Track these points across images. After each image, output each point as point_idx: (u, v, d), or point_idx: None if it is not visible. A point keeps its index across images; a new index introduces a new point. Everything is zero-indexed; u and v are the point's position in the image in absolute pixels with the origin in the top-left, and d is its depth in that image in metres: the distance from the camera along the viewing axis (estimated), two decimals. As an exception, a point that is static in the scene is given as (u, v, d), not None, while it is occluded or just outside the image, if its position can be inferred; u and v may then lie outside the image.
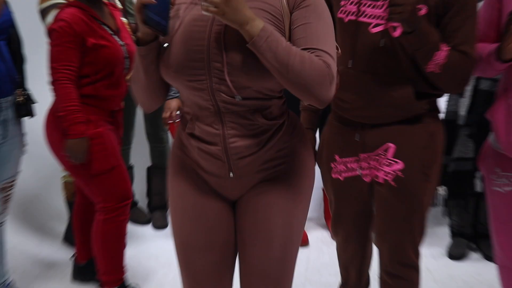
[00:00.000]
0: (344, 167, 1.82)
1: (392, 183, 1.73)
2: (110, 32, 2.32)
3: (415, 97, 1.70)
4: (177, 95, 2.67)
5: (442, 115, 2.23)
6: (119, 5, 2.64)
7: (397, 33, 1.62)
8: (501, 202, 1.77)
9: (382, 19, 1.64)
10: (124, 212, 2.39)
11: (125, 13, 2.79)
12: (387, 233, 1.82)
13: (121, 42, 2.35)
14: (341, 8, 1.71)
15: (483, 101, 2.62)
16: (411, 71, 1.68)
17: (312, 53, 1.28)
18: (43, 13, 2.59)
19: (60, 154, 2.30)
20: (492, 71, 1.68)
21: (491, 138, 1.79)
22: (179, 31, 1.36)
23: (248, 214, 1.49)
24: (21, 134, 2.27)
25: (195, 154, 1.46)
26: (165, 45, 1.37)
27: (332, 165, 1.84)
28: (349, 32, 1.71)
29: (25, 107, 2.21)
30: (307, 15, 1.33)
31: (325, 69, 1.27)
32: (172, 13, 1.37)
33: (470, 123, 2.72)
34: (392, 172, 1.74)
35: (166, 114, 2.71)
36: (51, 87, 2.20)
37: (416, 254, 1.82)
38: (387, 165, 1.75)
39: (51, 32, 2.19)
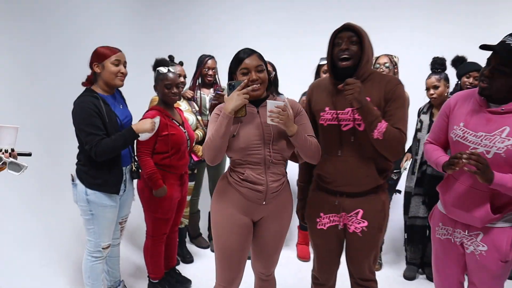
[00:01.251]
0: (328, 220, 1.99)
1: (360, 234, 1.95)
2: (177, 124, 2.72)
3: (377, 173, 1.88)
4: None
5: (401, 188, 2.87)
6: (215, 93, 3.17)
7: (361, 127, 1.77)
8: (440, 245, 1.95)
9: (349, 121, 1.82)
10: (161, 240, 2.83)
11: (201, 113, 3.44)
12: (355, 262, 2.04)
13: (184, 130, 2.76)
14: (321, 118, 1.91)
15: (427, 180, 3.03)
16: (374, 154, 1.83)
17: (310, 136, 1.82)
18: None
19: (144, 201, 2.73)
20: (438, 169, 1.84)
21: (438, 203, 1.96)
22: (241, 129, 1.76)
23: (265, 229, 1.95)
24: (132, 189, 2.67)
25: (243, 189, 1.81)
26: (234, 133, 1.76)
27: (318, 220, 2.01)
28: (329, 132, 1.89)
29: (136, 173, 2.61)
30: (303, 118, 1.86)
31: (318, 146, 1.82)
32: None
33: (422, 194, 3.07)
34: (360, 227, 1.92)
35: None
36: (139, 159, 2.62)
37: (373, 273, 2.08)
38: (357, 223, 1.92)
39: None
